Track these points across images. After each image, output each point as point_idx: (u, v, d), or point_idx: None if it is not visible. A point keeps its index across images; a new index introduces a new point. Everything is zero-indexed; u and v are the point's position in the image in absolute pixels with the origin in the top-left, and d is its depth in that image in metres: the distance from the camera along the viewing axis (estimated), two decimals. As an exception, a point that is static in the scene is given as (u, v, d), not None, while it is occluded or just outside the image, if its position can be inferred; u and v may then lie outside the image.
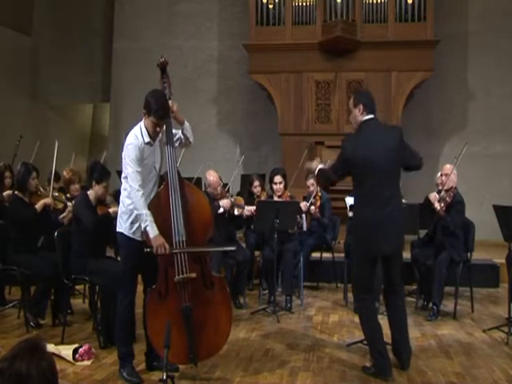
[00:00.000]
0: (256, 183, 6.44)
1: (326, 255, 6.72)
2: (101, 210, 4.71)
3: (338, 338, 4.70)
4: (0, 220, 5.24)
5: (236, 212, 5.76)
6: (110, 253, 5.17)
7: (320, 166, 4.11)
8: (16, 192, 5.10)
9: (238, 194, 7.00)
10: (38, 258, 4.94)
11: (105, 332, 4.36)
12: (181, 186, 3.66)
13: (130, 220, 3.66)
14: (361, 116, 3.84)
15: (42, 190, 5.26)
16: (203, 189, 5.91)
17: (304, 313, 5.59)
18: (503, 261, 5.43)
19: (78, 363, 3.95)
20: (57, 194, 5.49)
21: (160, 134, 3.73)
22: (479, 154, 9.28)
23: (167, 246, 3.52)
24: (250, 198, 6.37)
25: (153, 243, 3.52)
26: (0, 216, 5.25)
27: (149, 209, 3.59)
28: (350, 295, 5.74)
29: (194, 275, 3.60)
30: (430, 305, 5.44)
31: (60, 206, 5.24)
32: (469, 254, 5.56)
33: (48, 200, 5.01)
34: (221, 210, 5.57)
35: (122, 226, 3.70)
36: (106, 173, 4.67)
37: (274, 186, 6.01)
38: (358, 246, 3.91)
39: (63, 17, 10.98)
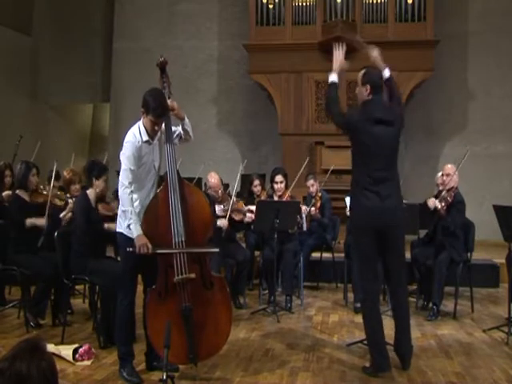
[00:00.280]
0: (256, 182, 6.45)
1: (326, 255, 6.72)
2: (102, 207, 4.72)
3: (338, 338, 4.70)
4: (0, 220, 5.24)
5: (236, 218, 5.75)
6: (110, 253, 5.17)
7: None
8: (17, 191, 5.10)
9: (238, 195, 6.99)
10: (38, 258, 4.93)
11: (105, 332, 4.36)
12: (180, 186, 3.66)
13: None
14: (366, 96, 3.90)
15: (41, 187, 5.26)
16: (203, 189, 5.91)
17: (304, 313, 5.59)
18: (503, 261, 5.42)
19: (78, 363, 3.95)
20: (58, 192, 5.49)
21: (159, 133, 3.74)
22: (479, 154, 9.29)
23: (150, 245, 3.54)
24: (250, 198, 6.39)
25: (135, 242, 3.53)
26: (0, 216, 5.25)
27: (148, 209, 3.59)
28: (350, 295, 5.77)
29: (193, 275, 3.60)
30: (430, 305, 5.44)
31: (61, 203, 5.23)
32: (469, 254, 5.56)
33: (40, 222, 4.93)
34: (218, 223, 5.55)
35: (122, 226, 3.69)
36: (104, 167, 4.82)
37: (275, 186, 6.01)
38: (358, 219, 3.91)
39: (63, 17, 10.99)
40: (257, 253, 6.38)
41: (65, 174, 5.61)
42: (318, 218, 6.32)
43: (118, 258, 4.25)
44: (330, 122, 8.85)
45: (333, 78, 4.04)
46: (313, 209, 6.20)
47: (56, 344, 4.20)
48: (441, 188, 5.52)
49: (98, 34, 11.10)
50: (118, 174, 3.71)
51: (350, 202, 4.10)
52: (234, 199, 5.78)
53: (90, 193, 4.67)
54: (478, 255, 6.28)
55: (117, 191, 3.95)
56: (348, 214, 5.90)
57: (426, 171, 9.15)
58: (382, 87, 3.96)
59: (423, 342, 4.56)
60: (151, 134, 3.67)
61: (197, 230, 3.68)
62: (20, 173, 5.11)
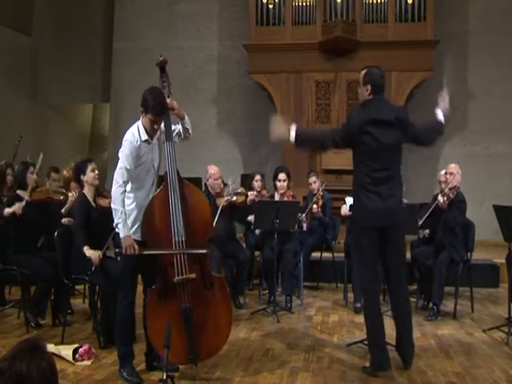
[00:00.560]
0: (257, 177, 6.43)
1: (326, 255, 6.72)
2: (102, 201, 4.72)
3: (338, 338, 4.70)
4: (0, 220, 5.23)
5: (234, 198, 5.66)
6: (109, 253, 5.17)
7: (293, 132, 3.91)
8: (17, 191, 5.10)
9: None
10: (38, 258, 4.94)
11: (105, 332, 4.36)
12: (180, 185, 3.66)
13: (130, 220, 3.65)
14: (367, 95, 3.90)
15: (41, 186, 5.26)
16: (203, 187, 5.90)
17: (304, 313, 5.59)
18: (503, 261, 5.42)
19: (78, 363, 3.95)
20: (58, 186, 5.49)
21: (158, 132, 3.74)
22: (479, 154, 9.29)
23: (136, 246, 3.54)
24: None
25: (122, 243, 3.54)
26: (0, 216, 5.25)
27: (148, 208, 3.59)
28: (350, 295, 5.77)
29: (193, 276, 3.60)
30: (430, 305, 5.44)
31: (61, 197, 5.22)
32: (469, 254, 5.57)
33: (15, 209, 4.83)
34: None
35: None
36: (84, 160, 4.83)
37: (278, 184, 6.00)
38: (359, 219, 3.89)
39: (63, 17, 10.98)
40: (257, 253, 6.38)
41: (65, 173, 5.62)
42: (320, 216, 6.31)
43: (118, 258, 4.25)
44: (330, 122, 8.94)
45: (291, 137, 3.90)
46: (314, 206, 6.19)
47: (56, 344, 4.20)
48: (443, 186, 5.54)
49: (98, 34, 11.09)
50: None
51: (353, 203, 4.09)
52: (232, 183, 5.74)
53: (87, 191, 4.67)
54: (477, 255, 6.28)
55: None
56: (342, 213, 5.93)
57: (425, 172, 9.14)
58: (383, 87, 3.95)
59: (423, 342, 4.56)
60: (150, 133, 3.67)
61: (197, 230, 3.67)
62: (18, 173, 5.13)
